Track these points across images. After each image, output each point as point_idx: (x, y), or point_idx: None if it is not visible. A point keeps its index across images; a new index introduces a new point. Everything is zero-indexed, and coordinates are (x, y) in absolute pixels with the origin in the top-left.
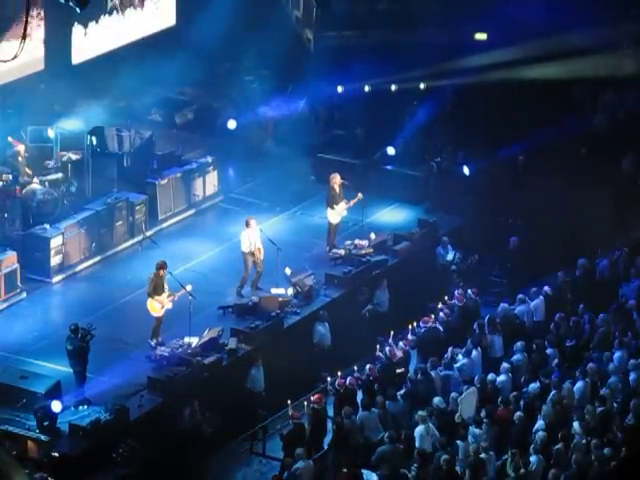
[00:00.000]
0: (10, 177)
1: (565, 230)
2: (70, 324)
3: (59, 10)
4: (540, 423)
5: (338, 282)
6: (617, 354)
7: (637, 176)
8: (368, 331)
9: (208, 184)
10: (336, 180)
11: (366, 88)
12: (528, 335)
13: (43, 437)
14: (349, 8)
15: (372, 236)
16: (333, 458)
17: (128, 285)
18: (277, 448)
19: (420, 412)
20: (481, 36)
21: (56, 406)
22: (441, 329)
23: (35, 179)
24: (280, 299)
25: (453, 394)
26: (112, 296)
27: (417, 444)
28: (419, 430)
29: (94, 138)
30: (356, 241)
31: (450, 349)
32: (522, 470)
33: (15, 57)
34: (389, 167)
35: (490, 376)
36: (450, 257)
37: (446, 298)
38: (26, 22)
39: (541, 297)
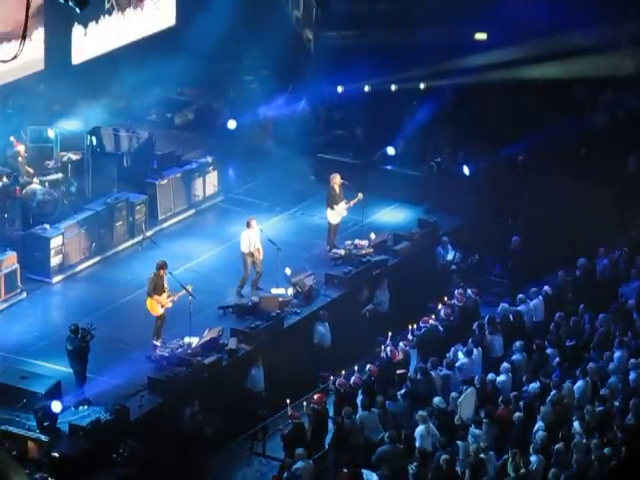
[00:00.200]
0: (10, 177)
1: (565, 230)
2: (70, 324)
3: (59, 10)
4: (540, 423)
5: (338, 282)
6: (617, 354)
7: None
8: (368, 331)
9: (208, 184)
10: (336, 180)
11: (366, 88)
12: (528, 335)
13: (43, 437)
14: (349, 8)
15: (372, 236)
16: (333, 458)
17: (128, 285)
18: (277, 448)
19: (420, 412)
20: (481, 36)
21: (56, 406)
22: (441, 329)
23: (35, 179)
24: (280, 299)
25: (453, 394)
26: (112, 296)
27: (417, 444)
28: (419, 430)
29: (94, 138)
30: (356, 241)
31: (452, 349)
32: (522, 470)
33: (15, 57)
34: (389, 167)
35: (490, 376)
36: (450, 257)
37: (445, 299)
38: (26, 22)
39: (540, 297)
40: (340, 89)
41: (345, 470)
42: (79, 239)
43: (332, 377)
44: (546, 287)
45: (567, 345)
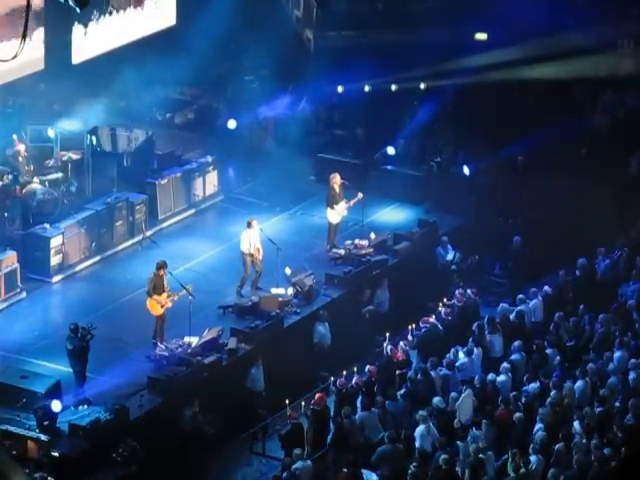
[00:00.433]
0: (10, 177)
1: (565, 230)
2: (70, 324)
3: (59, 10)
4: (540, 424)
5: (338, 282)
6: (617, 354)
7: None
8: (368, 331)
9: (208, 184)
10: (336, 180)
11: (366, 88)
12: (528, 335)
13: (43, 437)
14: (349, 8)
15: (372, 236)
16: (333, 458)
17: (128, 285)
18: (277, 448)
19: (421, 412)
20: (481, 36)
21: (56, 406)
22: (441, 329)
23: (35, 179)
24: (280, 299)
25: (453, 394)
26: (112, 296)
27: (417, 444)
28: (419, 430)
29: (94, 138)
30: (356, 241)
31: (452, 349)
32: (522, 470)
33: (15, 57)
34: (389, 167)
35: (490, 376)
36: (450, 257)
37: (445, 299)
38: (26, 22)
39: (540, 297)
40: (340, 89)
41: (345, 470)
42: (79, 239)
43: (332, 377)
44: (546, 287)
45: (567, 345)
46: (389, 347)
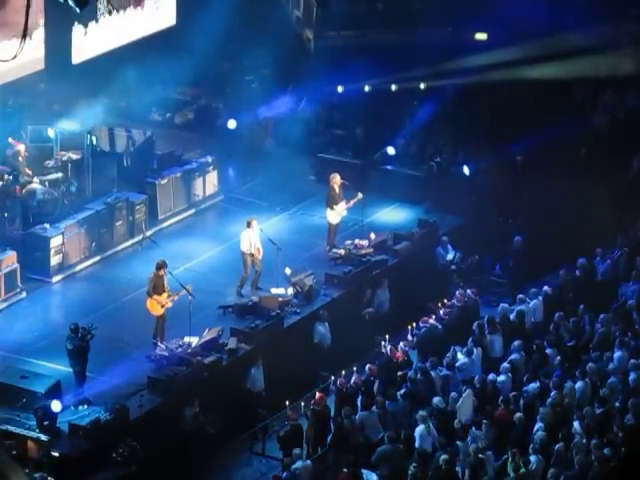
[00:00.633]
0: (10, 177)
1: (565, 230)
2: (70, 324)
3: (59, 10)
4: (540, 423)
5: (338, 282)
6: (617, 354)
7: None
8: (368, 331)
9: (208, 184)
10: (336, 180)
11: (366, 88)
12: (528, 335)
13: (43, 437)
14: (349, 8)
15: (372, 236)
16: (333, 458)
17: (128, 285)
18: (276, 448)
19: (421, 412)
20: (481, 36)
21: (56, 406)
22: (441, 329)
23: (35, 179)
24: (280, 299)
25: (453, 394)
26: (112, 296)
27: (417, 444)
28: (419, 430)
29: (94, 138)
30: (356, 241)
31: (452, 349)
32: (522, 470)
33: (15, 57)
34: (389, 167)
35: (490, 376)
36: (450, 257)
37: (445, 299)
38: (26, 22)
39: (540, 297)
40: (340, 89)
41: (345, 470)
42: (79, 239)
43: (332, 377)
44: (546, 287)
45: (567, 345)
46: (388, 347)
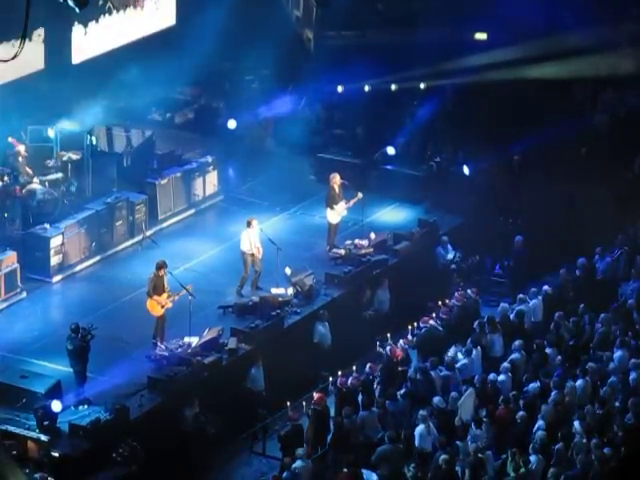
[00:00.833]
0: (10, 177)
1: (565, 230)
2: (70, 323)
3: (59, 10)
4: (540, 423)
5: (338, 282)
6: (617, 353)
7: None
8: (368, 331)
9: (208, 184)
10: (336, 180)
11: (366, 88)
12: (528, 335)
13: (43, 437)
14: (349, 8)
15: (372, 236)
16: (333, 458)
17: (128, 285)
18: (277, 448)
19: (421, 412)
20: (481, 36)
21: (56, 406)
22: (441, 329)
23: (35, 179)
24: (280, 299)
25: (453, 394)
26: (112, 296)
27: (417, 444)
28: (419, 430)
29: (94, 138)
30: (356, 241)
31: (452, 349)
32: (522, 469)
33: (15, 57)
34: (389, 167)
35: (491, 376)
36: (450, 257)
37: (445, 299)
38: (26, 22)
39: (540, 297)
40: (340, 89)
41: (345, 470)
42: (79, 239)
43: (332, 377)
44: (546, 287)
45: (567, 345)
46: (388, 347)
